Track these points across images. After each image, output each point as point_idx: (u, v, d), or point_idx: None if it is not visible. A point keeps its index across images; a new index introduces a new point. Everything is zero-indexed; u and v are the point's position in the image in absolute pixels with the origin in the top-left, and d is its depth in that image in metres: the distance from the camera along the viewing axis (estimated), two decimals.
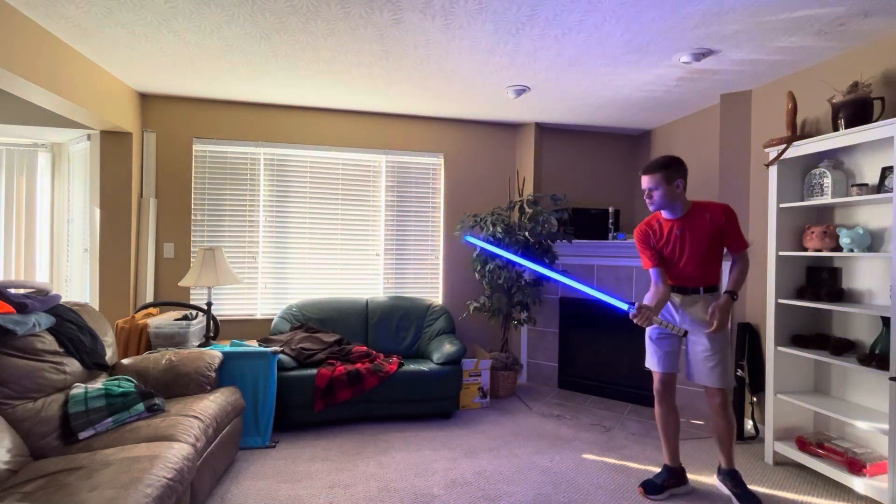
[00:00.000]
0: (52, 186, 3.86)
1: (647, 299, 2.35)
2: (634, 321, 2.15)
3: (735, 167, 3.31)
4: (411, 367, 3.28)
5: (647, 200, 2.29)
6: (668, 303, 2.36)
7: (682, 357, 2.42)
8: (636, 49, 2.66)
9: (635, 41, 2.57)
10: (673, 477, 2.39)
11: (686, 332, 2.15)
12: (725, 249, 2.30)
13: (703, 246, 2.24)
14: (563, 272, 3.85)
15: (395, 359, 3.39)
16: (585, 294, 3.95)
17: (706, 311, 2.26)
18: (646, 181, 2.27)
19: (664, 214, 2.32)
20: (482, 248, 3.82)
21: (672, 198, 2.23)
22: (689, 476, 2.54)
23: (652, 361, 2.41)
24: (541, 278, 3.85)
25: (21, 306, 2.06)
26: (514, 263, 3.77)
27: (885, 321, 2.32)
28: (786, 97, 2.99)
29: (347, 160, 4.08)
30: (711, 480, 2.52)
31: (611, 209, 4.07)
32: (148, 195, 3.69)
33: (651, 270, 2.35)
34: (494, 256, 3.78)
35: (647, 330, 2.40)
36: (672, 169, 2.21)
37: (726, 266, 3.13)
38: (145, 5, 2.26)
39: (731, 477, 2.31)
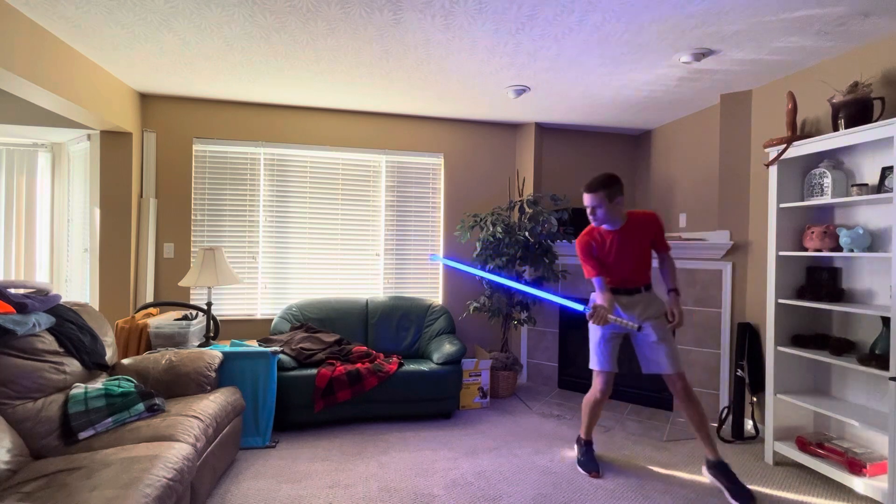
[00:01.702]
0: (52, 186, 3.86)
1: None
2: (591, 321, 2.34)
3: (735, 167, 3.31)
4: (411, 367, 3.28)
5: (591, 217, 2.46)
6: (616, 304, 2.50)
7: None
8: (636, 49, 2.66)
9: (635, 41, 2.57)
10: (591, 448, 2.67)
11: (640, 327, 2.33)
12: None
13: (641, 250, 2.48)
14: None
15: (395, 359, 3.39)
16: (586, 294, 3.94)
17: (647, 307, 2.48)
18: (589, 199, 2.42)
19: (605, 227, 2.49)
20: (481, 249, 3.83)
21: (614, 213, 2.42)
22: (690, 476, 2.57)
23: (602, 362, 2.52)
24: (540, 278, 3.84)
25: (21, 306, 2.06)
26: (512, 262, 3.77)
27: (885, 321, 2.32)
28: (786, 97, 2.99)
29: (347, 160, 4.08)
30: (699, 478, 2.52)
31: None
32: (148, 195, 3.69)
33: (595, 280, 2.46)
34: (494, 256, 3.78)
35: (597, 333, 2.54)
36: (614, 188, 2.39)
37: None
38: (145, 5, 2.26)
39: (722, 470, 2.36)
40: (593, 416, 2.64)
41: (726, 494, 2.30)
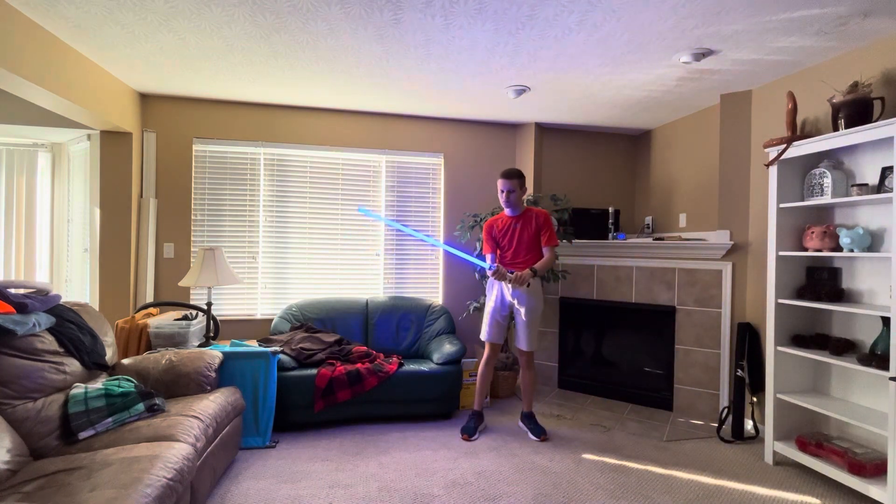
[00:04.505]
0: (52, 186, 3.86)
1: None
2: (492, 276, 2.95)
3: (735, 167, 3.31)
4: (411, 367, 3.28)
5: (504, 199, 2.99)
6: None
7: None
8: (636, 49, 2.66)
9: (635, 41, 2.57)
10: (481, 419, 3.14)
11: (517, 303, 2.96)
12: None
13: (529, 239, 3.01)
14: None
15: (395, 359, 3.39)
16: (586, 294, 3.95)
17: (529, 289, 2.99)
18: (506, 184, 2.97)
19: (507, 212, 3.07)
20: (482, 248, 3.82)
21: (520, 200, 3.02)
22: (694, 476, 2.58)
23: (488, 335, 3.08)
24: (541, 278, 3.83)
25: (21, 306, 2.06)
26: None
27: (885, 321, 2.32)
28: (786, 97, 2.98)
29: (347, 160, 4.08)
30: (699, 478, 2.52)
31: (611, 209, 4.06)
32: (148, 195, 3.69)
33: (489, 255, 3.09)
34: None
35: (489, 312, 3.08)
36: (523, 178, 3.01)
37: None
38: (145, 5, 2.26)
39: (529, 418, 3.11)
40: (482, 387, 3.16)
41: (529, 434, 3.04)
